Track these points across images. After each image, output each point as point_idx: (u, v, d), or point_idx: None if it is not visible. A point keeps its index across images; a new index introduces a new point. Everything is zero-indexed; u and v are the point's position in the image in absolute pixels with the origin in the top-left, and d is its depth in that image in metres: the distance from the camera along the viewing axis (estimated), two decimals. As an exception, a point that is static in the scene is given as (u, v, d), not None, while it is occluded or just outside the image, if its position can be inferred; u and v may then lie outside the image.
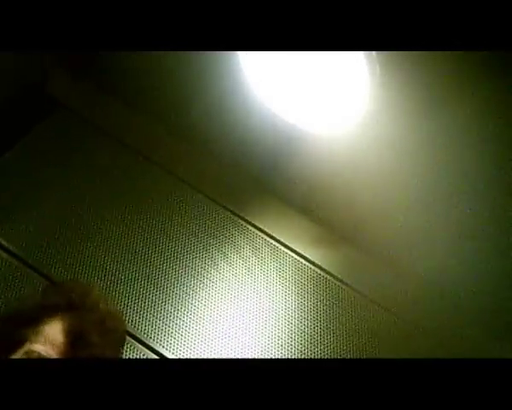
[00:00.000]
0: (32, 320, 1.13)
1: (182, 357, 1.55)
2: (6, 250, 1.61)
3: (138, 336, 1.56)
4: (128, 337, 1.53)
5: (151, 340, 1.56)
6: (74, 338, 1.11)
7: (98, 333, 1.13)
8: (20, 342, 1.09)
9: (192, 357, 1.56)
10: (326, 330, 1.70)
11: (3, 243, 1.62)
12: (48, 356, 1.08)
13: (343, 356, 1.66)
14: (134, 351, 1.54)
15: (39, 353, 1.08)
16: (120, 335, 1.24)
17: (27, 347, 1.09)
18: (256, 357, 1.61)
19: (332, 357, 1.65)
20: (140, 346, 1.55)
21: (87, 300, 1.19)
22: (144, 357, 1.53)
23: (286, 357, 1.63)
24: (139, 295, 1.62)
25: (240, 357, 1.59)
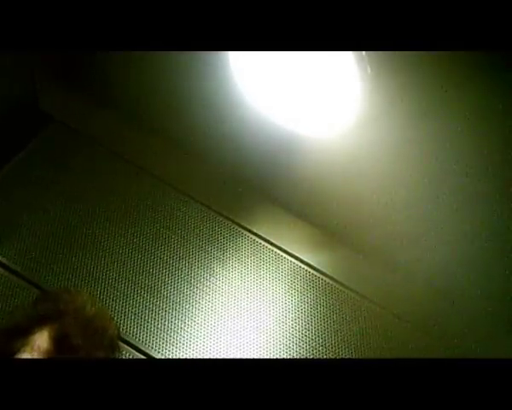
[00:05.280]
0: (22, 332, 1.16)
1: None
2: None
3: (136, 344, 1.55)
4: (126, 346, 1.53)
5: (150, 348, 1.55)
6: (59, 343, 1.14)
7: (82, 336, 1.15)
8: (13, 355, 1.11)
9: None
10: (325, 333, 1.69)
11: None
12: None
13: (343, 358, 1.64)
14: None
15: None
16: (109, 337, 1.24)
17: (16, 357, 1.11)
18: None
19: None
20: (138, 354, 1.54)
21: (71, 305, 1.21)
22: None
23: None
24: (136, 303, 1.61)
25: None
